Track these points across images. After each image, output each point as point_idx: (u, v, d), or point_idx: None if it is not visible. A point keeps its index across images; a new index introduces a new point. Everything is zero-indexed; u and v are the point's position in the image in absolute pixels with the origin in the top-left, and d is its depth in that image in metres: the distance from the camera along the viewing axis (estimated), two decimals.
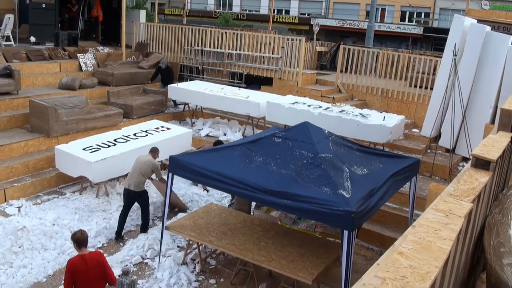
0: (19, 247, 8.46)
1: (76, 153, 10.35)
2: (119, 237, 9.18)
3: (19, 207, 9.88)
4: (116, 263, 8.14)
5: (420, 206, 8.86)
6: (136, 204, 9.46)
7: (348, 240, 6.08)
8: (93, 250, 8.05)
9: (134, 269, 8.14)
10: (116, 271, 7.75)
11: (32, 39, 16.77)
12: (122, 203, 10.18)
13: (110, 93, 14.38)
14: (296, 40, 16.04)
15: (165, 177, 10.38)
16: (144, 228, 9.47)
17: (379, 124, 10.97)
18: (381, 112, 12.30)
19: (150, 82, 15.91)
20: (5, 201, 10.05)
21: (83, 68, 16.12)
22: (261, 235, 7.93)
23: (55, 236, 8.89)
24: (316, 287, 7.64)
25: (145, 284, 7.75)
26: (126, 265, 8.04)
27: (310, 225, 8.76)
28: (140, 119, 13.85)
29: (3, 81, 12.79)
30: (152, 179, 9.83)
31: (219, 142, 11.34)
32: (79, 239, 5.86)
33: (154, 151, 9.78)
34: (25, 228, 8.90)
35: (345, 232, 6.08)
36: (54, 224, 9.26)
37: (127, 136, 11.50)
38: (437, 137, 12.60)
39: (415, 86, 14.37)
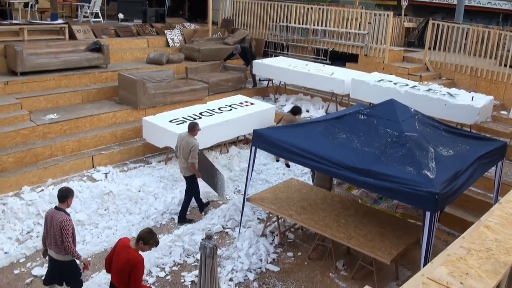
0: (105, 210, 8.98)
1: (163, 124, 10.72)
2: (202, 210, 9.31)
3: (106, 173, 10.45)
4: (198, 230, 8.47)
5: (506, 192, 8.46)
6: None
7: (430, 222, 5.97)
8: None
9: (215, 237, 8.40)
10: (198, 238, 8.09)
11: (120, 16, 17.31)
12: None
13: (189, 69, 14.63)
14: (384, 15, 15.63)
15: (240, 150, 10.52)
16: (180, 218, 8.98)
17: (467, 104, 10.58)
18: (469, 92, 11.83)
19: (224, 61, 15.95)
20: (93, 167, 10.68)
21: (170, 44, 16.54)
22: (341, 212, 7.94)
23: (140, 202, 9.34)
24: (395, 267, 7.58)
25: (225, 252, 8.01)
26: (209, 229, 8.31)
27: (391, 206, 8.64)
28: (217, 95, 13.95)
29: (92, 55, 13.43)
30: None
31: (297, 109, 11.41)
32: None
33: (192, 128, 8.95)
34: (111, 193, 9.42)
35: (428, 214, 5.98)
36: (139, 191, 9.71)
37: (212, 110, 11.76)
38: None
39: (505, 65, 13.59)
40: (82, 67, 13.15)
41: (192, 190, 9.02)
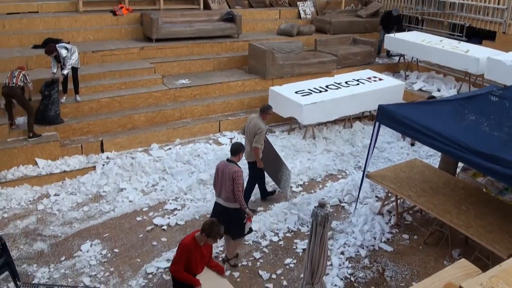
0: None
1: (289, 95, 10.86)
2: (263, 197, 8.80)
3: (231, 138, 10.91)
4: (315, 201, 8.51)
5: None
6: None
7: None
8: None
9: (331, 209, 8.44)
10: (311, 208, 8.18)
11: None
12: (327, 147, 10.48)
13: (318, 41, 14.60)
14: None
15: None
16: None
17: None
18: None
19: (385, 32, 15.69)
20: (219, 131, 11.23)
21: (302, 15, 16.55)
22: (462, 198, 7.60)
23: None
24: None
25: (339, 226, 8.06)
26: (323, 198, 8.31)
27: None
28: (346, 69, 13.77)
29: (225, 25, 13.91)
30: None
31: (432, 98, 11.01)
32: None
33: (264, 111, 8.24)
34: None
35: None
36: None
37: (338, 84, 11.70)
38: None
39: None
40: (214, 36, 13.68)
41: (256, 177, 8.46)
